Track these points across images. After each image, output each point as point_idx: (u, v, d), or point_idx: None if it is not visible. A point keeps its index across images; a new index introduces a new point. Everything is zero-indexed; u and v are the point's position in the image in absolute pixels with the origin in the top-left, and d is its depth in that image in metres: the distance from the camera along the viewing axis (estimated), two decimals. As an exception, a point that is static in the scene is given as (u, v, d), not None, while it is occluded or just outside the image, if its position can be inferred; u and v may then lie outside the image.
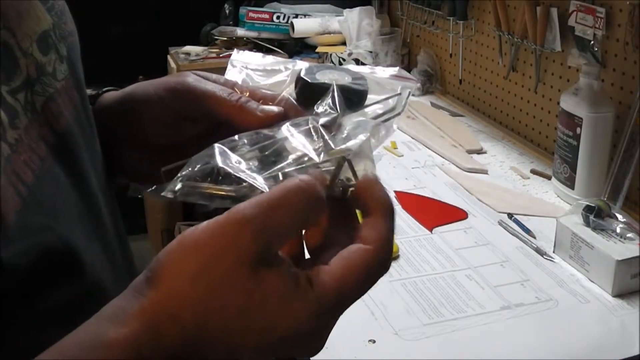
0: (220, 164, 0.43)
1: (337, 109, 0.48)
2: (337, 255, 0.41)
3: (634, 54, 1.23)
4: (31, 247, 0.40)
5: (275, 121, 0.50)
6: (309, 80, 0.52)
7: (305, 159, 0.45)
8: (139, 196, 0.48)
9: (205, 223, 0.38)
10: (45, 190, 0.43)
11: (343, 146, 0.45)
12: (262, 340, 0.38)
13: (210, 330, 0.38)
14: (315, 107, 0.49)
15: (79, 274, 0.44)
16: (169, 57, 2.17)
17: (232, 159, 0.44)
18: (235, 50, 0.58)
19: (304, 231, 0.44)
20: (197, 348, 0.38)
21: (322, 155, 0.45)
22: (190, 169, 0.43)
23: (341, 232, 0.43)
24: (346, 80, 0.52)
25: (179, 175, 0.43)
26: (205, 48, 2.13)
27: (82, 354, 0.36)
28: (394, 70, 0.55)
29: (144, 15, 2.40)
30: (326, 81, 0.51)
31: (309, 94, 0.51)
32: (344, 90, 0.50)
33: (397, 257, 1.11)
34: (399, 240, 1.16)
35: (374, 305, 0.98)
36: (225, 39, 2.17)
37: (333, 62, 2.02)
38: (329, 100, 0.49)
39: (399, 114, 0.51)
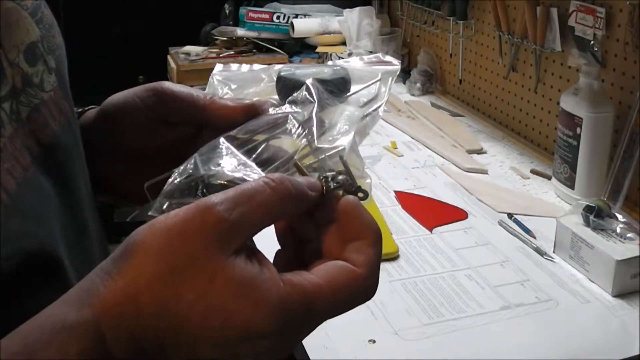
0: (203, 171, 0.43)
1: (313, 99, 0.48)
2: (322, 265, 0.41)
3: (634, 54, 1.23)
4: (13, 253, 0.40)
5: (248, 111, 0.52)
6: (286, 77, 0.52)
7: (296, 157, 0.45)
8: (127, 221, 0.48)
9: (176, 210, 0.39)
10: (28, 198, 0.43)
11: (330, 146, 0.45)
12: (222, 336, 0.38)
13: (168, 314, 0.37)
14: (288, 101, 0.50)
15: (59, 279, 0.44)
16: (169, 57, 2.17)
17: (215, 164, 0.44)
18: (217, 64, 0.58)
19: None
20: (155, 333, 0.37)
21: (311, 155, 0.45)
22: (176, 181, 0.43)
23: (334, 242, 0.43)
24: (326, 72, 0.52)
25: (163, 191, 0.42)
26: (205, 48, 2.13)
27: (42, 337, 0.36)
28: (375, 56, 0.55)
29: (144, 15, 2.40)
30: (304, 77, 0.52)
31: (289, 89, 0.51)
32: (323, 82, 0.50)
33: (397, 257, 1.11)
34: (399, 240, 1.16)
35: (374, 305, 0.98)
36: (225, 39, 2.17)
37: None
38: (305, 93, 0.49)
39: (384, 101, 0.51)
